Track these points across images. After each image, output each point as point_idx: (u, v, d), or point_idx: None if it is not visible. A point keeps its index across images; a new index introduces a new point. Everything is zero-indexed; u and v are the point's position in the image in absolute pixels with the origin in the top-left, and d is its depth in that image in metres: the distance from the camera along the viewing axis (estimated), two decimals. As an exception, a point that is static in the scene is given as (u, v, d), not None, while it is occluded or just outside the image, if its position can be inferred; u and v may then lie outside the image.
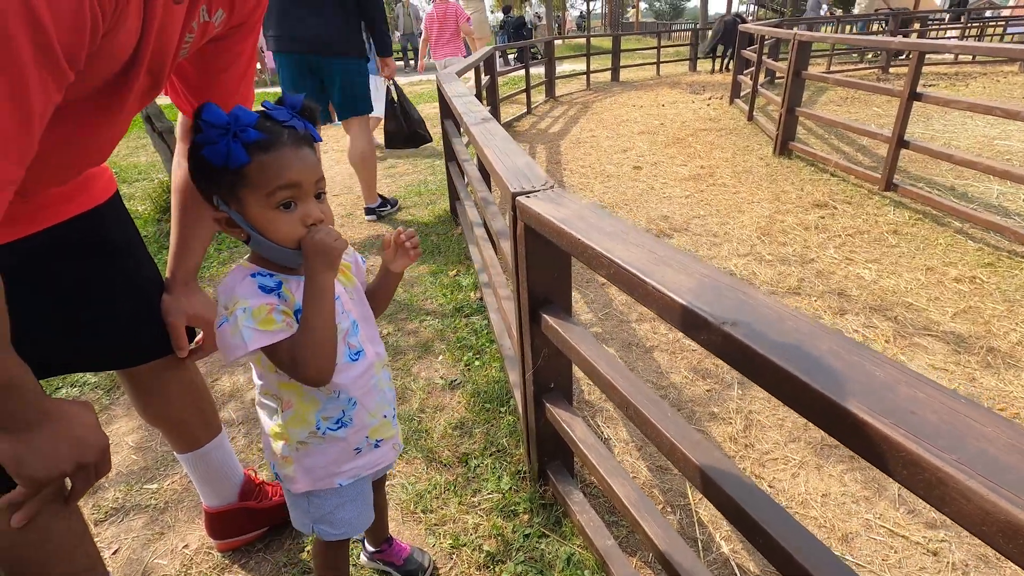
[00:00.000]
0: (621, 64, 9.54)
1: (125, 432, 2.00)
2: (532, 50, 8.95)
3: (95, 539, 1.59)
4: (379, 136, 4.97)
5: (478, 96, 4.01)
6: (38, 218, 0.92)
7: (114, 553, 1.55)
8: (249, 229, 0.84)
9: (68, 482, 0.88)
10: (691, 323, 0.70)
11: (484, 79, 5.04)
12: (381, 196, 3.79)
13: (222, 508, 1.46)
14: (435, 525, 1.53)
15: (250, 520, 1.49)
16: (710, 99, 7.21)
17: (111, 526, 1.63)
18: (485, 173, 2.57)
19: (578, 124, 6.29)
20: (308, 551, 1.49)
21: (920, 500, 0.71)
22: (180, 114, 1.11)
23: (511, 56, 12.44)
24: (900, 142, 3.49)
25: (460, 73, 3.50)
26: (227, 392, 2.18)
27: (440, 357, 2.26)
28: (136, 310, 1.10)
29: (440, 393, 2.05)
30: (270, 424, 0.99)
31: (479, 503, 1.58)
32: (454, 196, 3.46)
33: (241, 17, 0.96)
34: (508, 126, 6.08)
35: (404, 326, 2.49)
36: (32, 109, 0.59)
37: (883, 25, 10.18)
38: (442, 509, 1.57)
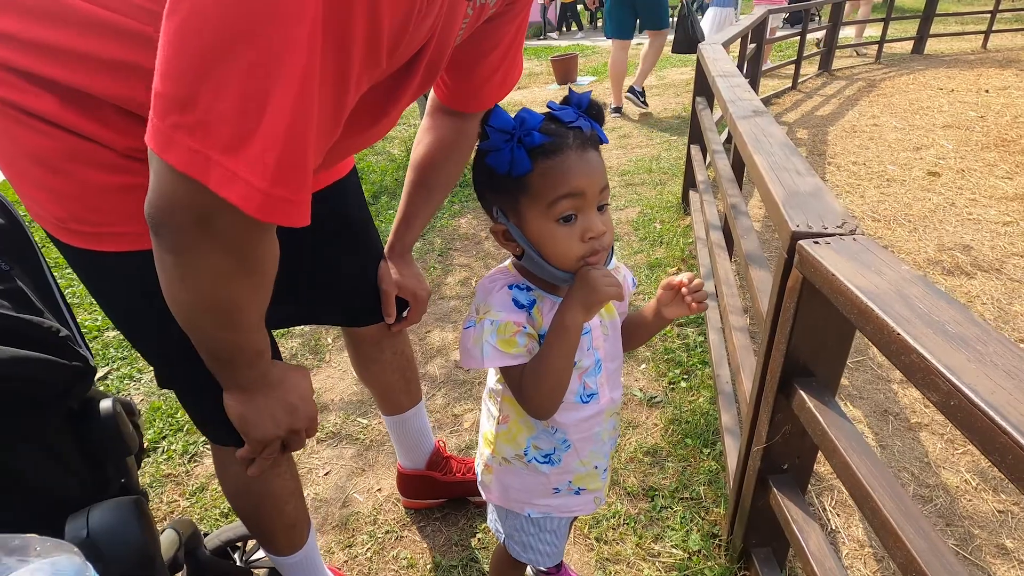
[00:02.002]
0: (931, 32, 7.59)
1: (350, 365, 2.26)
2: (812, 13, 7.64)
3: (315, 455, 1.85)
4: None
5: (738, 67, 3.52)
6: None
7: (326, 474, 1.76)
8: (526, 245, 0.79)
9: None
10: None
11: (749, 48, 4.42)
12: (642, 89, 5.43)
13: (411, 471, 1.54)
14: (606, 560, 1.41)
15: (432, 489, 1.55)
16: (1065, 86, 5.34)
17: (328, 448, 1.86)
18: (739, 172, 2.21)
19: (856, 107, 5.21)
20: (478, 538, 1.50)
21: None
22: (432, 91, 1.08)
23: (782, 17, 10.83)
24: None
25: (727, 44, 3.07)
26: (435, 348, 2.31)
27: (643, 366, 2.07)
28: (359, 280, 1.17)
29: (636, 407, 1.89)
30: (485, 427, 0.98)
31: (659, 553, 1.41)
32: (690, 182, 3.13)
33: None
34: (766, 103, 5.30)
35: (610, 319, 2.35)
36: (347, 101, 0.60)
37: None
38: (617, 544, 1.44)
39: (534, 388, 0.80)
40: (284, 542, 1.11)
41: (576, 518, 1.32)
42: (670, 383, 1.97)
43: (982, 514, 1.46)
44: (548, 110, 0.79)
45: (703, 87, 2.83)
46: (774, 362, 1.01)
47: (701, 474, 1.60)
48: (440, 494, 1.56)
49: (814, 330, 0.93)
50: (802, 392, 0.95)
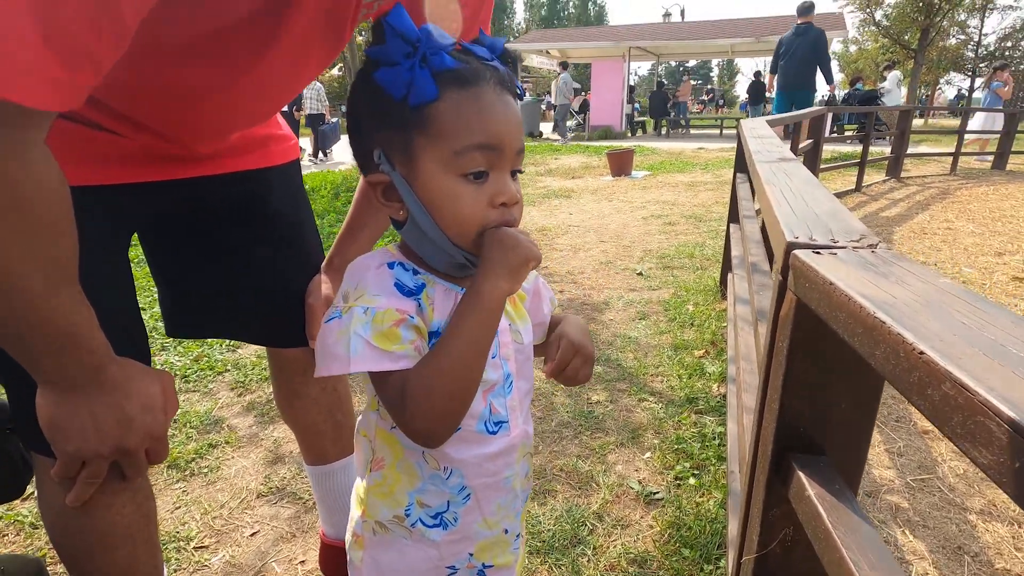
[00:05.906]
0: (1014, 148, 7.20)
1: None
2: (878, 125, 7.50)
3: (248, 511, 1.60)
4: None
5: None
6: (195, 165, 0.86)
7: (252, 535, 1.49)
8: (414, 205, 0.59)
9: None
10: None
11: (804, 143, 4.26)
12: None
13: (332, 541, 1.26)
14: None
15: (356, 569, 1.25)
16: None
17: (267, 504, 1.61)
18: (767, 233, 1.96)
19: (927, 211, 4.84)
20: (397, 644, 1.17)
21: None
22: None
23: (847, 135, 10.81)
24: None
25: (775, 124, 2.92)
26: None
27: (647, 455, 1.73)
28: (281, 289, 1.01)
29: (630, 503, 1.54)
30: (356, 480, 0.73)
31: None
32: (727, 265, 2.87)
33: None
34: (824, 202, 5.04)
35: (619, 399, 2.04)
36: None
37: None
38: None
39: (426, 395, 0.55)
40: None
41: None
42: (676, 479, 1.61)
43: None
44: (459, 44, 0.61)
45: (741, 162, 2.65)
46: (765, 430, 0.72)
47: (697, 599, 1.22)
48: (364, 577, 1.26)
49: (817, 380, 0.65)
50: (802, 475, 0.65)
